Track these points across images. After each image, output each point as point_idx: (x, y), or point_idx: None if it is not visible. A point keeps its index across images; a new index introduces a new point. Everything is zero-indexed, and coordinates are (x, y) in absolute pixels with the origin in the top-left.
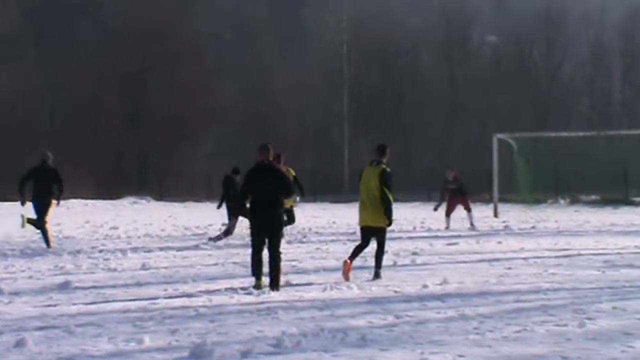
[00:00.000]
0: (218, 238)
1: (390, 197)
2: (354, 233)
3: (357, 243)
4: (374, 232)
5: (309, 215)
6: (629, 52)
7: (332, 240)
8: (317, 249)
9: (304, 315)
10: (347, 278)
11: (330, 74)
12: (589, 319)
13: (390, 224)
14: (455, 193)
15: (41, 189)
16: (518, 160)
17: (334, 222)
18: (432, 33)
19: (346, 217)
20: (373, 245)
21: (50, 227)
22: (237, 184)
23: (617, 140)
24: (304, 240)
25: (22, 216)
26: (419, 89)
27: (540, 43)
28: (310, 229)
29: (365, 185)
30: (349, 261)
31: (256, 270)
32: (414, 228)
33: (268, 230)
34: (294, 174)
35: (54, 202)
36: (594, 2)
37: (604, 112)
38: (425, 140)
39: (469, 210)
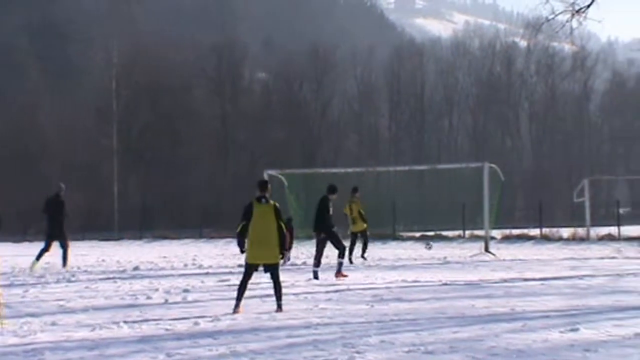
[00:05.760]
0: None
1: (285, 230)
2: (124, 271)
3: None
4: (267, 268)
5: (77, 254)
6: (395, 90)
7: (101, 279)
8: (86, 287)
9: (72, 356)
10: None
11: (99, 110)
12: (358, 352)
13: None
14: None
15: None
16: (289, 196)
17: (103, 260)
18: (203, 69)
19: (116, 254)
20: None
21: None
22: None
23: (385, 175)
24: (72, 279)
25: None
26: (191, 125)
27: (309, 79)
28: (79, 268)
29: (260, 223)
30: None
31: None
32: (185, 265)
33: None
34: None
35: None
36: (362, 40)
37: (372, 148)
38: (198, 176)
39: None
